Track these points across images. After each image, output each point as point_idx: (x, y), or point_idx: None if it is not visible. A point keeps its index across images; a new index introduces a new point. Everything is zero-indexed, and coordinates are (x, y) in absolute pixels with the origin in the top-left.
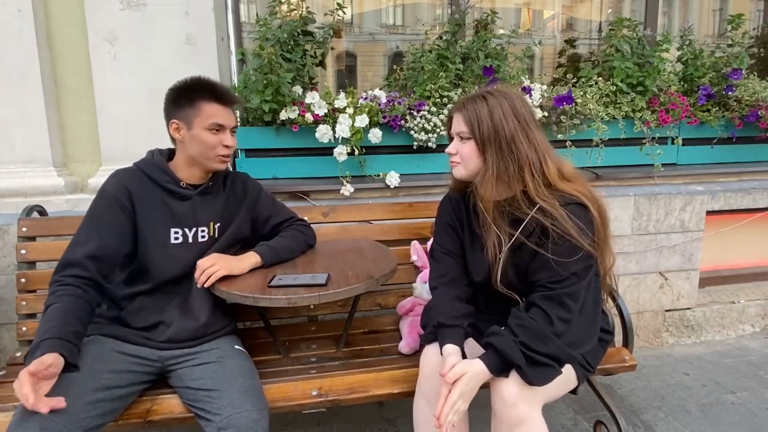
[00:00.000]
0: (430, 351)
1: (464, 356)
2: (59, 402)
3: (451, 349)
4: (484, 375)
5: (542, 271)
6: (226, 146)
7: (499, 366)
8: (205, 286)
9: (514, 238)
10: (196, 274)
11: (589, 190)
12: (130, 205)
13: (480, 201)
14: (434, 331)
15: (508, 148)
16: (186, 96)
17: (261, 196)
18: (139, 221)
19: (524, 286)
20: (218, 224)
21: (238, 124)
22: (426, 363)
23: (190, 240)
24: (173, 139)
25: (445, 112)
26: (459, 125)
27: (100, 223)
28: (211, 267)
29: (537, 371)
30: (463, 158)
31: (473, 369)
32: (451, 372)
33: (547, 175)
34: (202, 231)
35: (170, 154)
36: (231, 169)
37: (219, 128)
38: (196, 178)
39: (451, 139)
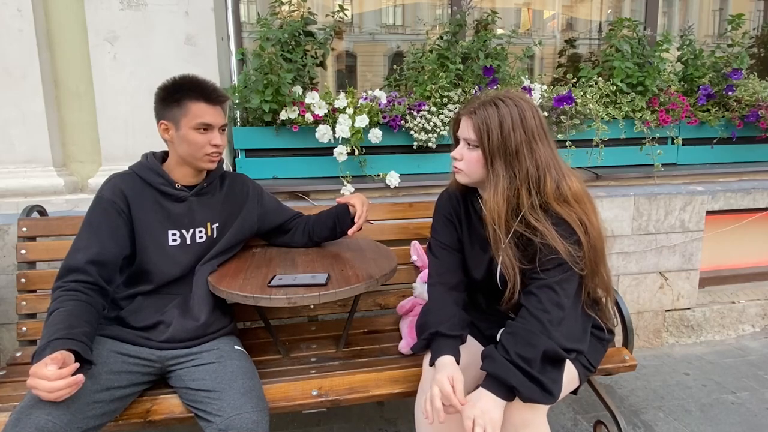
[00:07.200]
0: None
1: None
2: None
3: (447, 360)
4: (500, 403)
5: (533, 261)
6: (215, 145)
7: (503, 390)
8: None
9: (507, 241)
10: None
11: (587, 216)
12: (127, 209)
13: (488, 212)
14: (431, 339)
15: (512, 161)
16: (172, 96)
17: (264, 192)
18: (136, 224)
19: (523, 286)
20: (216, 224)
21: (228, 122)
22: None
23: (188, 241)
24: (164, 140)
25: (446, 112)
26: (467, 131)
27: (100, 228)
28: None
29: (534, 388)
30: (468, 166)
31: (489, 411)
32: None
33: (543, 193)
34: (200, 232)
35: (164, 155)
36: (230, 170)
37: (207, 128)
38: (191, 179)
39: (456, 141)
